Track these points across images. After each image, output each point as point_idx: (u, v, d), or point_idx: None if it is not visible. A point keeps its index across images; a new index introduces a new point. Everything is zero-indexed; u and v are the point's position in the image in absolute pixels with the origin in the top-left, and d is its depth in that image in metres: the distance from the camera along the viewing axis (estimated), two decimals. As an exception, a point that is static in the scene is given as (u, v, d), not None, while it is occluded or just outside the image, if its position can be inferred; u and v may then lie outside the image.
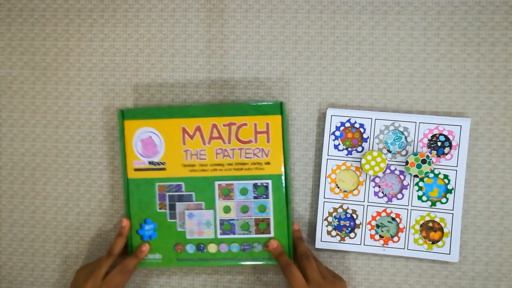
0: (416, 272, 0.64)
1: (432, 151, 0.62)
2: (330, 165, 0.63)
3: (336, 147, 0.63)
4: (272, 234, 0.61)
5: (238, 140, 0.61)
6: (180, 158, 0.61)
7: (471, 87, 0.65)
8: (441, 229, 0.62)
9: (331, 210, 0.63)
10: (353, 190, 0.63)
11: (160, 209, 0.62)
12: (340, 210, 0.63)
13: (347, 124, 0.63)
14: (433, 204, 0.62)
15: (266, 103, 0.61)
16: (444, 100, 0.65)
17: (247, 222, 0.61)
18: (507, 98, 0.64)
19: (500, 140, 0.64)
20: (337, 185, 0.63)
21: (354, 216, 0.63)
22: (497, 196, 0.64)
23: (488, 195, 0.64)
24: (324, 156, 0.63)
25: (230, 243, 0.61)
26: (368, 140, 0.63)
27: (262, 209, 0.61)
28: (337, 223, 0.63)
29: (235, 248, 0.61)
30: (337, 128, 0.63)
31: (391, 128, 0.63)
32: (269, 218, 0.61)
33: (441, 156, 0.62)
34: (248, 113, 0.60)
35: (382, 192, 0.63)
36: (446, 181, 0.62)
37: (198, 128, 0.61)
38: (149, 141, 0.61)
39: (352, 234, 0.63)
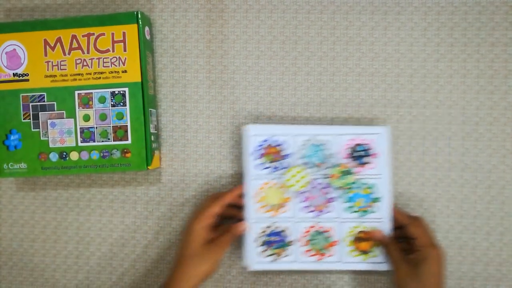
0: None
1: (354, 161, 0.62)
2: (256, 185, 0.63)
3: (259, 167, 0.63)
4: (129, 141, 0.62)
5: (97, 50, 0.62)
6: (42, 69, 0.63)
7: (471, 88, 0.65)
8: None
9: (261, 231, 0.63)
10: (281, 207, 0.62)
11: (24, 119, 0.63)
12: (270, 229, 0.63)
13: (266, 144, 0.63)
14: (362, 214, 0.62)
15: (122, 13, 0.62)
16: (444, 101, 0.65)
17: (106, 130, 0.63)
18: (507, 99, 0.64)
19: (501, 141, 0.64)
20: (264, 204, 0.63)
21: (285, 233, 0.62)
22: (497, 196, 0.64)
23: (488, 195, 0.64)
24: (248, 178, 0.62)
25: (90, 150, 0.63)
26: (290, 156, 0.63)
27: (120, 116, 0.62)
28: (268, 241, 0.62)
29: (95, 155, 0.63)
30: (258, 148, 0.63)
31: (311, 142, 0.63)
32: (126, 125, 0.62)
33: (363, 165, 0.62)
34: (105, 23, 0.62)
35: (310, 207, 0.63)
36: (372, 190, 0.62)
37: (58, 40, 0.63)
38: (13, 54, 0.63)
39: (285, 253, 0.62)
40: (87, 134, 0.63)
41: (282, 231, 0.62)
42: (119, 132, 0.63)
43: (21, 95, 0.63)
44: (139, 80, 0.62)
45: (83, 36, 0.63)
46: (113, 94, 0.62)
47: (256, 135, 0.62)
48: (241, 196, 0.62)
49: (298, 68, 0.66)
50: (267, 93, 0.66)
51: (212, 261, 0.59)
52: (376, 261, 0.62)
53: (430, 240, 0.58)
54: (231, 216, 0.64)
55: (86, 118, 0.63)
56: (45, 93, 0.63)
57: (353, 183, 0.61)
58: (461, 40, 0.65)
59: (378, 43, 0.65)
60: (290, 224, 0.62)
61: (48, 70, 0.63)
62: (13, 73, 0.63)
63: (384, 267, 0.61)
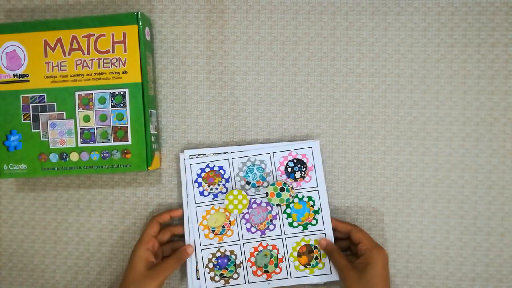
0: None
1: (290, 177, 0.64)
2: (200, 212, 0.64)
3: (201, 193, 0.64)
4: (129, 142, 0.62)
5: (97, 50, 0.63)
6: (43, 70, 0.63)
7: (472, 88, 0.64)
8: (315, 250, 0.63)
9: (210, 256, 0.63)
10: (227, 231, 0.64)
11: (24, 120, 0.63)
12: (218, 254, 0.63)
13: (207, 169, 0.64)
14: (305, 227, 0.63)
15: (123, 13, 0.62)
16: (444, 101, 0.65)
17: (106, 131, 0.63)
18: (508, 99, 0.64)
19: (501, 141, 0.64)
20: (211, 230, 0.64)
21: (233, 257, 0.63)
22: (497, 196, 0.64)
23: (488, 196, 0.64)
24: (191, 206, 0.64)
25: (90, 151, 0.63)
26: (230, 180, 0.64)
27: (120, 117, 0.62)
28: (217, 266, 0.63)
29: (95, 156, 0.63)
30: (198, 176, 0.64)
31: (248, 163, 0.64)
32: (126, 126, 0.62)
33: (299, 180, 0.63)
34: (106, 24, 0.62)
35: (254, 227, 0.63)
36: (311, 202, 0.63)
37: (59, 40, 0.63)
38: (13, 55, 0.63)
39: (235, 275, 0.63)
40: (87, 135, 0.63)
41: (230, 254, 0.64)
42: (119, 133, 0.62)
43: (21, 95, 0.63)
44: (139, 81, 0.62)
45: (83, 36, 0.63)
46: (113, 95, 0.62)
47: (195, 164, 0.64)
48: (177, 215, 0.64)
49: (298, 69, 0.66)
50: (267, 93, 0.66)
51: (153, 286, 0.59)
52: (323, 273, 0.62)
53: (373, 242, 0.60)
54: (171, 240, 0.65)
55: (86, 119, 0.63)
56: (45, 94, 0.63)
57: (291, 198, 0.62)
58: (461, 40, 0.65)
59: (378, 44, 0.65)
60: (237, 247, 0.63)
61: (48, 70, 0.63)
62: (13, 74, 0.63)
63: (331, 278, 0.62)
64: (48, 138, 0.63)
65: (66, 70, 0.63)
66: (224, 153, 0.65)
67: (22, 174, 0.63)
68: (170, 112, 0.67)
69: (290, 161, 0.64)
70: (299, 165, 0.64)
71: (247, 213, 0.64)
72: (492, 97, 0.64)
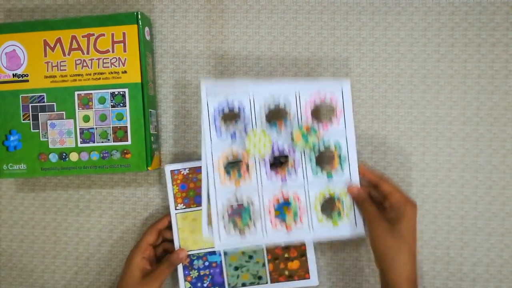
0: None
1: (316, 120, 0.59)
2: (216, 155, 0.58)
3: (218, 133, 0.59)
4: (129, 142, 0.62)
5: (96, 50, 0.62)
6: (42, 70, 0.63)
7: (472, 88, 0.64)
8: (338, 203, 0.59)
9: (226, 203, 0.58)
10: (244, 176, 0.58)
11: (24, 120, 0.63)
12: (234, 203, 0.58)
13: (225, 108, 0.59)
14: (329, 175, 0.59)
15: (122, 13, 0.62)
16: (444, 101, 0.65)
17: (106, 131, 0.63)
18: (508, 99, 0.64)
19: (501, 141, 0.64)
20: (226, 175, 0.58)
21: (250, 206, 0.58)
22: (497, 196, 0.64)
23: (489, 196, 0.64)
24: (207, 146, 0.58)
25: (90, 151, 0.63)
26: (250, 120, 0.59)
27: (120, 117, 0.62)
28: (233, 217, 0.58)
29: (95, 156, 0.63)
30: (216, 113, 0.59)
31: (271, 103, 0.59)
32: (126, 126, 0.62)
33: (326, 124, 0.58)
34: (105, 23, 0.62)
35: (274, 174, 0.58)
36: (338, 149, 0.58)
37: (58, 40, 0.63)
38: (12, 54, 0.63)
39: (252, 227, 0.58)
40: (86, 135, 0.63)
41: (247, 203, 0.58)
42: (119, 133, 0.62)
43: (20, 95, 0.63)
44: (139, 80, 0.62)
45: (83, 36, 0.62)
46: (113, 94, 0.62)
47: (212, 97, 0.58)
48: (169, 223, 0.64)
49: (299, 69, 0.66)
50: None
51: None
52: (348, 226, 0.58)
53: (404, 196, 0.56)
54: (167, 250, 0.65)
55: (86, 118, 0.63)
56: (44, 94, 0.63)
57: (317, 143, 0.57)
58: (462, 40, 0.64)
59: (378, 43, 0.65)
60: (255, 194, 0.58)
61: (48, 70, 0.63)
62: (13, 74, 0.63)
63: (356, 231, 0.58)
64: (47, 138, 0.63)
65: (65, 70, 0.63)
66: (244, 90, 0.59)
67: (21, 174, 0.63)
68: (170, 112, 0.67)
69: (322, 102, 0.58)
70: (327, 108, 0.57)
71: (269, 157, 0.58)
72: (492, 97, 0.64)
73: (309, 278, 0.63)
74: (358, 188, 0.59)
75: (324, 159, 0.60)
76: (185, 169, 0.63)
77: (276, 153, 0.59)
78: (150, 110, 0.63)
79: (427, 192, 0.65)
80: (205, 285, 0.63)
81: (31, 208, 0.69)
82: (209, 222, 0.58)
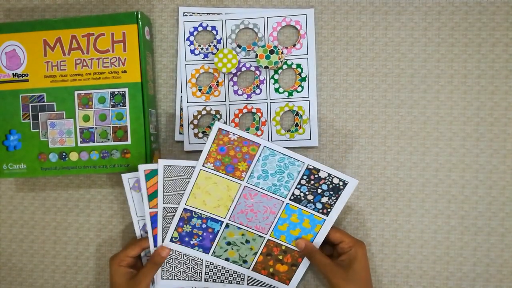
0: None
1: (282, 44, 0.65)
2: (189, 70, 0.65)
3: (192, 52, 0.65)
4: (129, 141, 0.62)
5: (96, 50, 0.62)
6: (42, 70, 0.63)
7: (472, 88, 0.64)
8: (300, 116, 0.65)
9: (195, 113, 0.65)
10: (214, 91, 0.65)
11: (24, 119, 0.63)
12: (203, 112, 0.65)
13: (200, 28, 0.65)
14: (290, 94, 0.65)
15: (122, 13, 0.62)
16: (444, 101, 0.65)
17: (105, 130, 0.63)
18: (508, 99, 0.64)
19: (501, 141, 0.64)
20: (198, 88, 0.65)
21: (218, 116, 0.65)
22: (497, 196, 0.64)
23: (489, 196, 0.64)
24: (182, 63, 0.65)
25: (90, 151, 0.63)
26: (221, 41, 0.65)
27: (120, 117, 0.62)
28: (202, 123, 0.65)
29: (95, 156, 0.63)
30: (191, 33, 0.65)
31: (241, 26, 0.65)
32: (126, 126, 0.62)
33: (289, 47, 0.65)
34: (105, 23, 0.62)
35: (241, 90, 0.65)
36: (299, 70, 0.64)
37: (58, 40, 0.63)
38: (12, 54, 0.63)
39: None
40: (86, 135, 0.63)
41: (215, 114, 0.65)
42: (119, 133, 0.62)
43: (20, 95, 0.63)
44: (139, 80, 0.62)
45: (82, 36, 0.62)
46: (112, 94, 0.62)
47: (189, 22, 0.65)
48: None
49: (298, 69, 0.66)
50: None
51: None
52: (303, 138, 0.65)
53: (353, 238, 0.60)
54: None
55: (86, 118, 0.63)
56: (44, 94, 0.63)
57: (280, 62, 0.63)
58: (462, 40, 0.64)
59: (378, 43, 0.65)
60: (223, 107, 0.65)
61: (47, 70, 0.63)
62: (13, 73, 0.63)
63: (310, 143, 0.64)
64: (47, 137, 0.63)
65: (65, 69, 0.63)
66: (219, 14, 0.65)
67: (21, 173, 0.63)
68: (169, 111, 0.67)
69: (283, 27, 0.65)
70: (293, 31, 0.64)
71: (237, 75, 0.65)
72: (493, 97, 0.64)
73: (287, 285, 0.63)
74: (305, 240, 0.61)
75: (286, 79, 0.65)
76: (234, 134, 0.60)
77: (244, 69, 0.65)
78: (150, 109, 0.63)
79: (427, 192, 0.65)
80: (191, 242, 0.62)
81: (30, 208, 0.69)
82: (181, 131, 0.65)
